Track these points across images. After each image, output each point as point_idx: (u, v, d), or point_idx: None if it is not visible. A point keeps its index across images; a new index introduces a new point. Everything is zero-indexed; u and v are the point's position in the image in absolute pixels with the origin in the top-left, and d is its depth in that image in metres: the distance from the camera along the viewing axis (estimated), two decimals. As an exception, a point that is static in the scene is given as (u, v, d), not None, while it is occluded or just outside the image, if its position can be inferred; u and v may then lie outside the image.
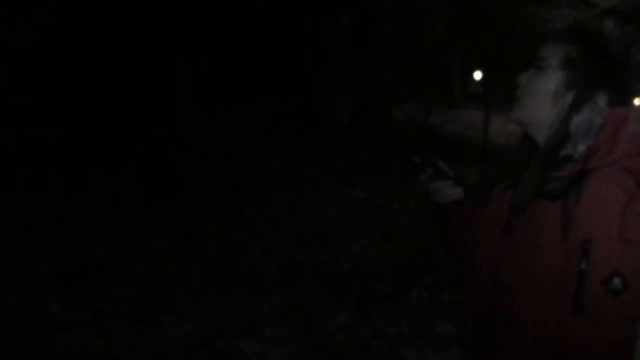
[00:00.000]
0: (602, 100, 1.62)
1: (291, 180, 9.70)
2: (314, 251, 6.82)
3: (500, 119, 12.31)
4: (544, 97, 1.67)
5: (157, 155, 9.63)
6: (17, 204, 7.85)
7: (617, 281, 1.47)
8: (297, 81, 12.20)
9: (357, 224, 7.78)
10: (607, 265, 1.48)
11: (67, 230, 7.35)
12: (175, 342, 4.64)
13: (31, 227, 7.29)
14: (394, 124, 13.07)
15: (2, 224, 7.14)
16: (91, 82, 10.40)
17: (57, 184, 8.84)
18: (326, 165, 10.34)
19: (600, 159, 1.56)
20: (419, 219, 7.92)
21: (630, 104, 1.69)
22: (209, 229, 7.46)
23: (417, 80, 13.53)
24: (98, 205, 8.24)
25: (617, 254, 1.48)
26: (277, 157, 10.43)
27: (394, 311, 5.21)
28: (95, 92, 10.36)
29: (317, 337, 4.75)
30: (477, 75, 19.60)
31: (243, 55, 11.48)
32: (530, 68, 1.71)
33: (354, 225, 7.73)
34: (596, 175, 1.54)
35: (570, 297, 1.51)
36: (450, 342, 4.59)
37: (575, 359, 1.53)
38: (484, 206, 1.87)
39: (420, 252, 6.66)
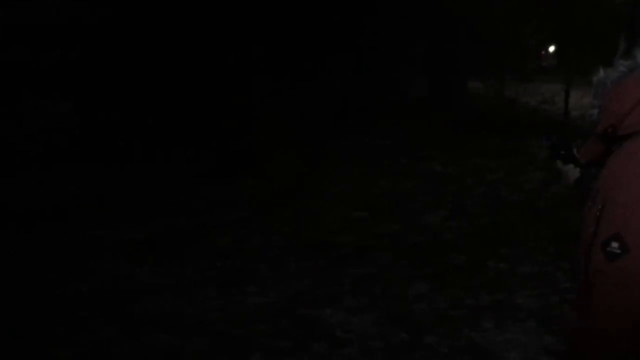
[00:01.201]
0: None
1: (365, 153, 9.78)
2: (389, 223, 6.89)
3: (574, 92, 12.13)
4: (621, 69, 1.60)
5: (234, 128, 9.83)
6: (103, 175, 8.17)
7: (614, 245, 1.41)
8: (371, 54, 12.23)
9: (432, 197, 7.81)
10: (609, 228, 1.44)
11: (148, 201, 7.63)
12: (261, 310, 4.81)
13: (117, 197, 7.62)
14: (468, 97, 12.98)
15: (92, 193, 7.47)
16: (168, 56, 10.65)
17: (138, 155, 9.16)
18: (400, 139, 10.38)
19: (635, 124, 1.49)
20: (493, 192, 7.93)
21: None
22: (284, 202, 7.63)
23: (490, 54, 13.40)
24: (178, 177, 8.52)
25: (622, 217, 1.42)
26: (351, 131, 10.51)
27: (471, 283, 5.25)
28: (172, 66, 10.61)
29: (397, 307, 4.85)
30: (552, 48, 19.16)
31: (317, 30, 11.56)
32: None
33: (429, 198, 7.77)
34: (631, 139, 1.49)
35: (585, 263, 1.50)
36: (528, 314, 4.63)
37: (583, 326, 1.52)
38: None
39: (496, 226, 6.67)
